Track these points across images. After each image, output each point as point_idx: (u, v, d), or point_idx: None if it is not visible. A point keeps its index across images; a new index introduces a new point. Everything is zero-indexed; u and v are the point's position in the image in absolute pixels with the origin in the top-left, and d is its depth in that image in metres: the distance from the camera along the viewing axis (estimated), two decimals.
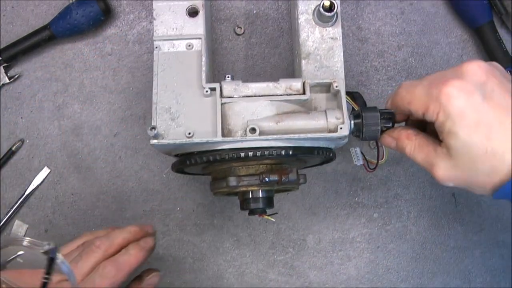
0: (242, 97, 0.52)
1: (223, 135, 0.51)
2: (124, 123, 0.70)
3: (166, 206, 0.70)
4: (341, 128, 0.51)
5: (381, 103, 0.68)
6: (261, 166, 0.54)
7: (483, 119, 0.44)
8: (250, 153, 0.51)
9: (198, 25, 0.56)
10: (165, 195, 0.70)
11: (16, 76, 0.70)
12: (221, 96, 0.52)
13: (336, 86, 0.53)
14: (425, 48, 0.69)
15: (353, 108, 0.55)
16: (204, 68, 0.54)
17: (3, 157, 0.69)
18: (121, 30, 0.71)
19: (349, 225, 0.69)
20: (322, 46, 0.56)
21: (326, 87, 0.54)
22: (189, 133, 0.51)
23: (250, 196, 0.55)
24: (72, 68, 0.71)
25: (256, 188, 0.54)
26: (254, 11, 0.71)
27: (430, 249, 0.69)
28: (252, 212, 0.56)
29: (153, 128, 0.51)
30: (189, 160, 0.53)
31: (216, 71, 0.70)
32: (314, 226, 0.69)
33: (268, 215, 0.57)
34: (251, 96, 0.52)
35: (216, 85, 0.53)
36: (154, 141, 0.51)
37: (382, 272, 0.69)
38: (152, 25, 0.57)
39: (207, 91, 0.52)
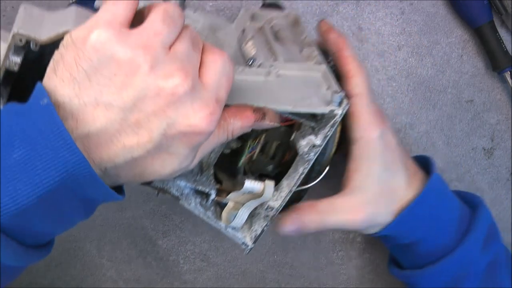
0: None
1: None
2: None
3: (166, 206, 0.70)
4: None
5: (381, 104, 0.68)
6: None
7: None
8: None
9: None
10: (165, 195, 0.70)
11: None
12: None
13: None
14: (425, 48, 0.69)
15: None
16: None
17: None
18: None
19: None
20: None
21: None
22: None
23: None
24: None
25: None
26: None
27: None
28: None
29: None
30: None
31: None
32: None
33: None
34: None
35: None
36: None
37: (382, 272, 0.69)
38: None
39: None
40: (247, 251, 0.52)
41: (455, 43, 0.70)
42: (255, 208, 0.52)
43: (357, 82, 0.51)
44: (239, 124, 0.43)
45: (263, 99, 0.45)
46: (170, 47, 0.38)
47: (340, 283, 0.69)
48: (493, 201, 0.70)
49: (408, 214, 0.53)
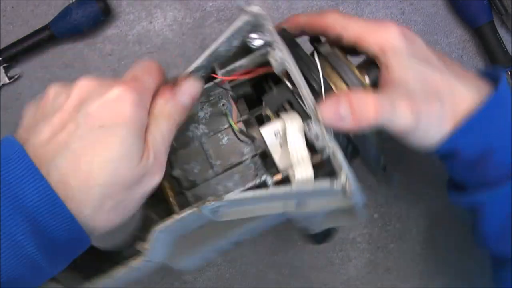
0: None
1: None
2: None
3: None
4: None
5: None
6: None
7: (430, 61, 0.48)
8: None
9: None
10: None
11: (16, 77, 0.70)
12: None
13: None
14: None
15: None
16: None
17: None
18: (121, 30, 0.71)
19: (349, 225, 0.69)
20: None
21: None
22: None
23: None
24: (72, 68, 0.71)
25: None
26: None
27: (430, 249, 0.69)
28: None
29: None
30: None
31: None
32: None
33: None
34: None
35: None
36: None
37: (382, 272, 0.69)
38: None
39: None
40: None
41: (455, 43, 0.70)
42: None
43: (370, 43, 0.47)
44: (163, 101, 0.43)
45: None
46: None
47: (340, 283, 0.69)
48: None
49: (480, 118, 0.44)
